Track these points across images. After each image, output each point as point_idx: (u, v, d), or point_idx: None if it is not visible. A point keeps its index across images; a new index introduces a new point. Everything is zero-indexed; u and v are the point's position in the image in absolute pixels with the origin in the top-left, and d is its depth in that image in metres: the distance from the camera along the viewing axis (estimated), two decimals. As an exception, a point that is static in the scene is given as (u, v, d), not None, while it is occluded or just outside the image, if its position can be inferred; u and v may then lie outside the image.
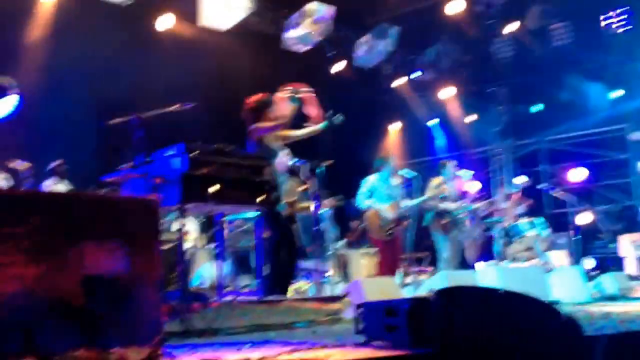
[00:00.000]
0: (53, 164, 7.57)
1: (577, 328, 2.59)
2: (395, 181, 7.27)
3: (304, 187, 7.73)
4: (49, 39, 7.61)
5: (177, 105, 4.34)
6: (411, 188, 7.52)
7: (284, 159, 5.37)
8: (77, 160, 7.67)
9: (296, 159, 6.04)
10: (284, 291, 5.30)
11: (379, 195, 7.12)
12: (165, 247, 4.71)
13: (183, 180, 4.07)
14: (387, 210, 7.02)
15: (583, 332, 2.65)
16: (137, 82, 7.56)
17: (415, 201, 7.26)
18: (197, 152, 4.12)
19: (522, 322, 2.47)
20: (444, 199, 7.62)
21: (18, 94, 5.32)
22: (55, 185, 7.46)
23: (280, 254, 5.55)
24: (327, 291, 6.60)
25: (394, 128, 13.21)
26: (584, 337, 2.69)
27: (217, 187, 4.13)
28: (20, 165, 6.44)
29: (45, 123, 7.41)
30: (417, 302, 2.99)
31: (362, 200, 7.15)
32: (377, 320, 3.07)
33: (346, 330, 3.64)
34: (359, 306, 3.22)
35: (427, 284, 6.12)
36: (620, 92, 10.97)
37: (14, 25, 7.47)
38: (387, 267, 6.95)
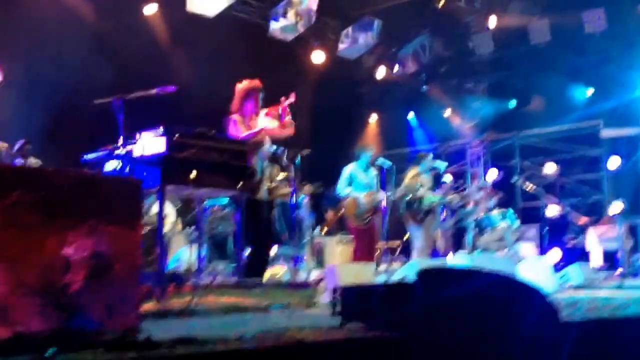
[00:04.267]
0: (19, 143, 7.49)
1: (555, 311, 2.62)
2: (373, 171, 7.39)
3: (284, 174, 7.84)
4: (32, 18, 7.51)
5: (160, 89, 4.36)
6: (387, 178, 7.64)
7: (266, 145, 5.45)
8: (58, 139, 7.63)
9: (275, 146, 6.11)
10: (259, 276, 5.38)
11: (357, 183, 7.23)
12: (144, 229, 4.75)
13: (163, 162, 4.09)
14: (364, 198, 7.13)
15: (560, 315, 2.70)
16: (121, 64, 7.54)
17: (392, 192, 7.37)
18: (178, 135, 4.15)
19: (504, 302, 2.48)
20: (419, 190, 7.75)
21: None
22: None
23: (256, 239, 5.64)
24: (302, 277, 6.69)
25: (373, 119, 13.32)
26: (561, 321, 2.73)
27: (194, 173, 4.16)
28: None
29: (27, 102, 7.34)
30: (392, 287, 3.10)
31: (343, 188, 7.25)
32: (353, 304, 3.16)
33: (321, 314, 3.69)
34: (335, 290, 3.31)
35: (399, 272, 6.24)
36: (591, 91, 11.22)
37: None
38: (362, 255, 7.06)
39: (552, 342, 2.43)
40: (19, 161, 7.50)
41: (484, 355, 2.29)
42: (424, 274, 2.54)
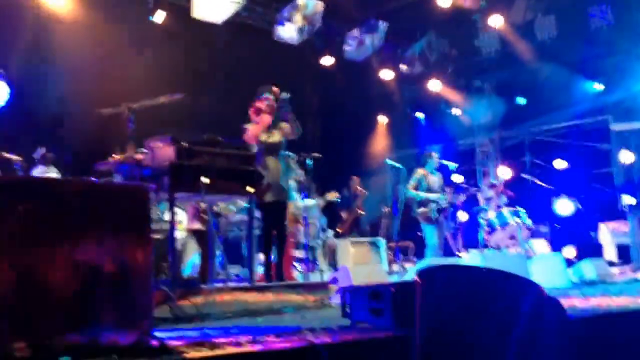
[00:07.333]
0: (39, 152, 7.61)
1: (560, 307, 2.64)
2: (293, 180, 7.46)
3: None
4: (41, 28, 7.63)
5: (167, 96, 4.41)
6: (398, 178, 7.67)
7: None
8: (69, 149, 7.73)
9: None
10: (276, 278, 5.45)
11: None
12: (157, 236, 4.80)
13: (172, 170, 4.15)
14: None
15: (565, 312, 2.69)
16: (129, 72, 7.62)
17: (402, 193, 7.40)
18: (187, 142, 4.21)
19: (506, 299, 2.46)
20: (428, 189, 7.77)
21: (6, 81, 5.34)
22: (44, 173, 7.50)
23: (271, 242, 5.69)
24: (315, 278, 6.72)
25: (383, 120, 13.34)
26: (567, 318, 2.74)
27: (206, 179, 4.21)
28: (12, 156, 6.48)
29: (37, 112, 7.45)
30: (401, 286, 3.11)
31: None
32: (363, 304, 3.18)
33: (333, 315, 3.72)
34: (345, 290, 3.33)
35: (412, 271, 6.26)
36: (601, 86, 11.15)
37: (7, 15, 7.47)
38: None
39: (557, 339, 2.44)
40: (41, 169, 7.61)
41: (490, 352, 2.30)
42: (425, 273, 2.56)
